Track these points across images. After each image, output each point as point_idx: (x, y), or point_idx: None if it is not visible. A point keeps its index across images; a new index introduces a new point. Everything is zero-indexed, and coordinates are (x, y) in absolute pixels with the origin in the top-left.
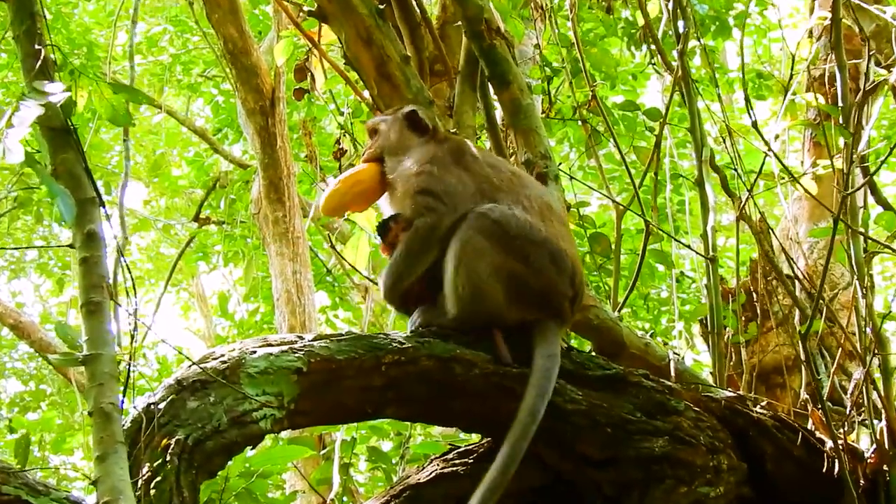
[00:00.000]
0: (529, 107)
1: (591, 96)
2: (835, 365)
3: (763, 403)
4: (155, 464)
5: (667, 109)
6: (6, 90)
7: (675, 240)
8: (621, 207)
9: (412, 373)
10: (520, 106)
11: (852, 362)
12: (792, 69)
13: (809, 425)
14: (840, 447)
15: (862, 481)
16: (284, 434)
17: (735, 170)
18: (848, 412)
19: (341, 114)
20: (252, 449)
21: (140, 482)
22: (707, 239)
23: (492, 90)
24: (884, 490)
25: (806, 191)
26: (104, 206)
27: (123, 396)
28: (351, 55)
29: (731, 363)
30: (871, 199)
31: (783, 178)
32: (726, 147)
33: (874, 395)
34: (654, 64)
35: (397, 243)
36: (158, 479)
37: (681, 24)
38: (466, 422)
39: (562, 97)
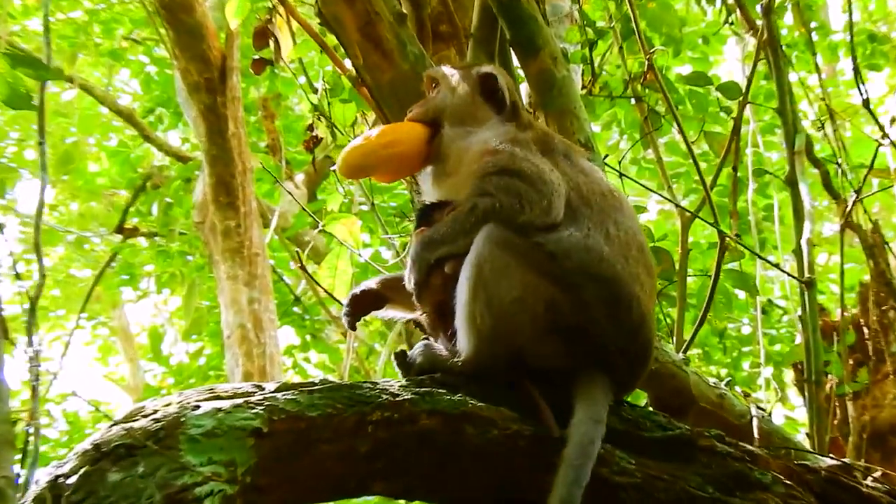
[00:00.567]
0: (565, 80)
1: (648, 66)
2: None
3: (877, 474)
4: None
5: (748, 84)
6: None
7: (760, 257)
8: (688, 214)
9: (409, 434)
10: (552, 79)
11: None
12: None
13: None
14: None
15: None
16: None
17: (839, 164)
18: None
19: (314, 91)
20: None
21: None
22: (802, 256)
23: (515, 59)
24: None
25: None
26: None
27: (21, 467)
28: (328, 13)
29: (835, 421)
30: None
31: None
32: (827, 134)
33: None
34: (731, 24)
35: None
36: None
37: None
38: (481, 501)
39: (609, 68)
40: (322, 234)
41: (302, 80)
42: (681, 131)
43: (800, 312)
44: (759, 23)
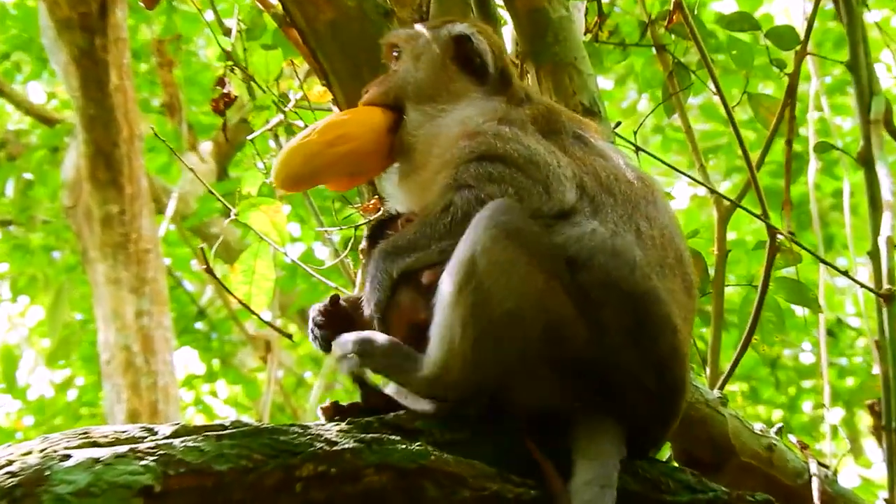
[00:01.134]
0: (563, 23)
1: (674, 4)
2: None
3: None
4: None
5: (809, 29)
6: None
7: (824, 262)
8: (727, 203)
9: (350, 496)
10: (546, 21)
11: None
12: None
13: None
14: None
15: None
16: None
17: None
18: None
19: (226, 32)
20: None
21: None
22: (880, 260)
23: None
24: None
25: None
26: None
27: None
28: None
29: None
30: None
31: None
32: None
33: None
34: None
35: None
36: None
37: None
38: None
39: (621, 3)
40: (235, 226)
41: (210, 16)
42: (718, 91)
43: (877, 337)
44: None
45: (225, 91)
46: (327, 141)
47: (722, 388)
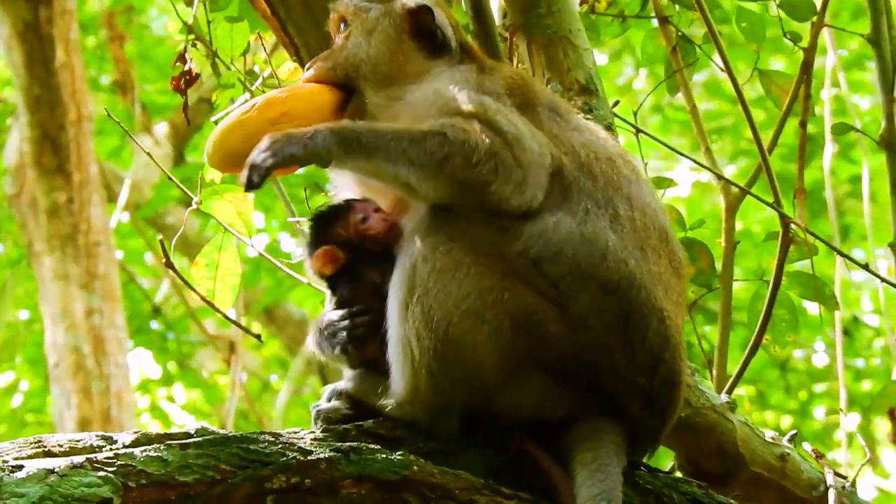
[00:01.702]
0: None
1: None
2: None
3: None
4: None
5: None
6: None
7: (841, 254)
8: (735, 189)
9: None
10: None
11: None
12: None
13: None
14: None
15: None
16: None
17: None
18: None
19: (187, 2)
20: None
21: None
22: None
23: None
24: None
25: None
26: None
27: None
28: None
29: None
30: None
31: None
32: None
33: None
34: None
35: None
36: None
37: None
38: None
39: None
40: (195, 215)
41: None
42: (726, 67)
43: None
44: None
45: (186, 68)
46: (269, 119)
47: (730, 392)
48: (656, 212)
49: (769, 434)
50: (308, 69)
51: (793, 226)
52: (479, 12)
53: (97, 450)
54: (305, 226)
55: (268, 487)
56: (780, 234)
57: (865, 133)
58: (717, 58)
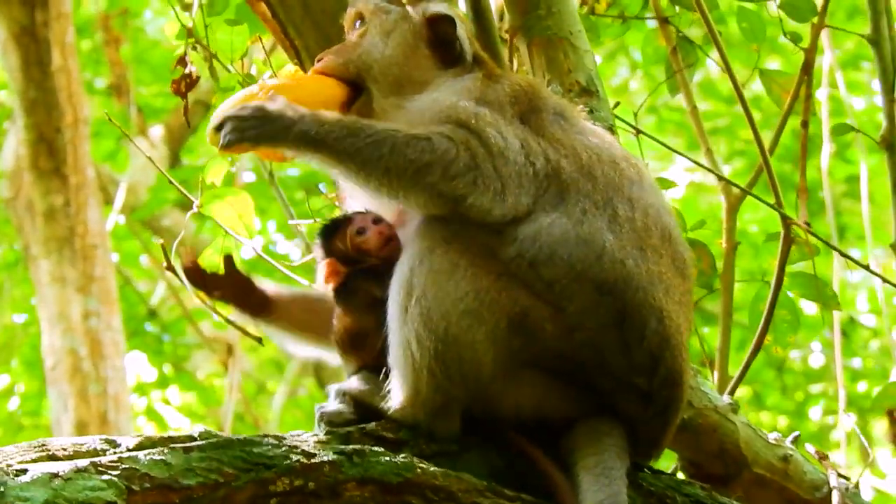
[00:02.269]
0: None
1: None
2: None
3: None
4: None
5: (826, 0)
6: None
7: (842, 254)
8: (737, 190)
9: None
10: None
11: None
12: None
13: None
14: None
15: None
16: None
17: None
18: None
19: (186, 6)
20: None
21: None
22: None
23: None
24: None
25: None
26: None
27: None
28: None
29: None
30: None
31: None
32: None
33: None
34: None
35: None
36: None
37: None
38: None
39: None
40: (196, 219)
41: None
42: (727, 68)
43: None
44: None
45: (187, 71)
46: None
47: (732, 393)
48: (659, 212)
49: (772, 435)
50: (319, 60)
51: (794, 226)
52: (479, 14)
53: (101, 453)
54: (303, 227)
55: (271, 490)
56: (782, 234)
57: (866, 133)
58: (713, 58)
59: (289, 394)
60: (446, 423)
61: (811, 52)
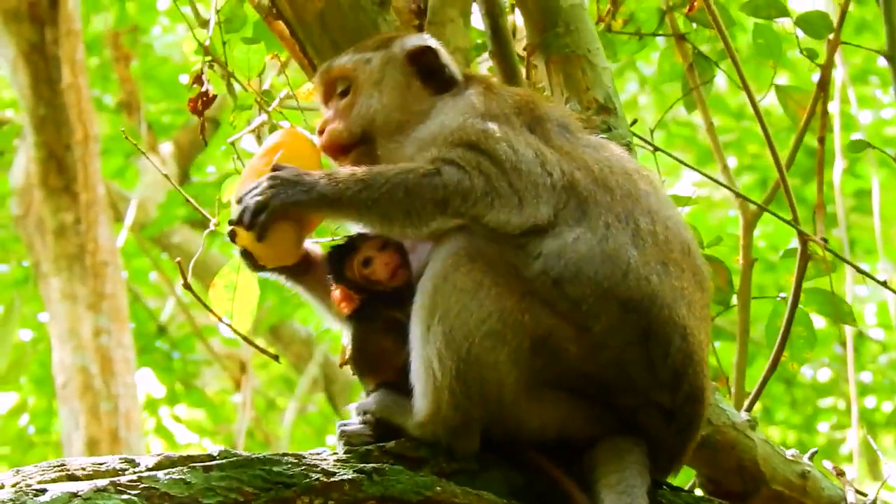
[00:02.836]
0: (575, 11)
1: None
2: None
3: None
4: None
5: (842, 16)
6: None
7: (861, 271)
8: (753, 206)
9: None
10: (557, 9)
11: None
12: None
13: None
14: None
15: None
16: None
17: None
18: None
19: (202, 23)
20: None
21: None
22: None
23: None
24: None
25: None
26: None
27: None
28: None
29: None
30: None
31: None
32: None
33: None
34: None
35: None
36: None
37: None
38: None
39: None
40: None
41: (185, 9)
42: (743, 85)
43: None
44: None
45: (203, 90)
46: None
47: (750, 409)
48: (678, 225)
49: (789, 452)
50: (321, 132)
51: (810, 243)
52: (496, 31)
53: (120, 473)
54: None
55: None
56: (799, 251)
57: (882, 150)
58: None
59: (299, 410)
60: (466, 442)
61: (827, 68)
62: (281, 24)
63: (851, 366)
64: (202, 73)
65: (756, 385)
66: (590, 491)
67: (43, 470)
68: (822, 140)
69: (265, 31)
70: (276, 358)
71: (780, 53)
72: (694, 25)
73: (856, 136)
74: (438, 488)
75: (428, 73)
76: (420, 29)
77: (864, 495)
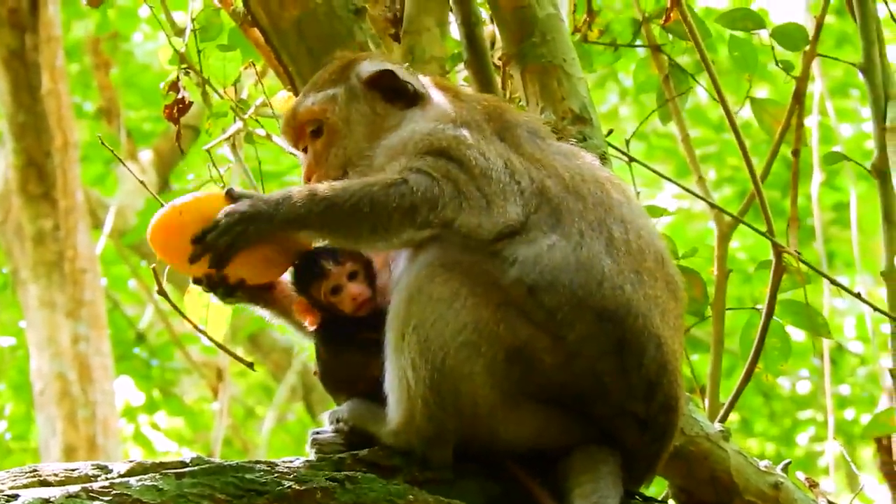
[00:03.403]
0: (551, 21)
1: (671, 1)
2: None
3: None
4: None
5: (818, 29)
6: None
7: (836, 284)
8: (729, 218)
9: None
10: (533, 19)
11: None
12: None
13: None
14: None
15: None
16: None
17: None
18: None
19: (178, 31)
20: None
21: None
22: (894, 280)
23: None
24: None
25: None
26: None
27: None
28: None
29: None
30: None
31: None
32: None
33: None
34: None
35: (337, 305)
36: None
37: None
38: None
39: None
40: None
41: (149, 12)
42: (719, 97)
43: (889, 362)
44: None
45: (179, 97)
46: None
47: (723, 420)
48: (651, 234)
49: (763, 463)
50: (307, 180)
51: (785, 255)
52: (471, 41)
53: (92, 479)
54: None
55: None
56: (773, 262)
57: (857, 162)
58: (702, 86)
59: (277, 419)
60: (440, 452)
61: (803, 81)
62: (256, 32)
63: (828, 378)
64: (178, 80)
65: (730, 396)
66: (564, 500)
67: (15, 475)
68: (796, 153)
69: (241, 38)
70: (251, 365)
71: (756, 66)
72: (670, 37)
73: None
74: (411, 497)
75: (391, 93)
76: (396, 38)
77: None
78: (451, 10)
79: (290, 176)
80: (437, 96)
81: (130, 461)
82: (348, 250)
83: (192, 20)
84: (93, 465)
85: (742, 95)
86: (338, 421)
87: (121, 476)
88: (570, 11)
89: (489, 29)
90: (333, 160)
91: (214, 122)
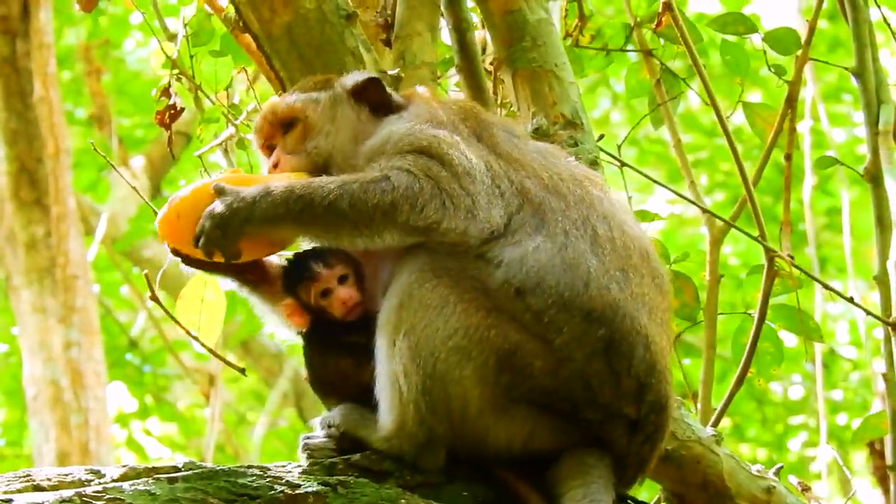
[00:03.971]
0: (542, 26)
1: (662, 6)
2: None
3: None
4: None
5: (810, 33)
6: None
7: (829, 288)
8: (721, 222)
9: None
10: (524, 24)
11: None
12: None
13: None
14: None
15: None
16: None
17: None
18: None
19: (169, 37)
20: None
21: None
22: (887, 284)
23: None
24: None
25: None
26: None
27: None
28: None
29: None
30: None
31: None
32: None
33: None
34: None
35: (327, 308)
36: None
37: None
38: None
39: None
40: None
41: (142, 18)
42: (711, 101)
43: (882, 367)
44: None
45: (171, 103)
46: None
47: (715, 425)
48: (634, 228)
49: (755, 467)
50: (274, 166)
51: (777, 259)
52: (463, 46)
53: (85, 484)
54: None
55: None
56: (766, 267)
57: (850, 167)
58: (695, 91)
59: (269, 425)
60: (432, 456)
61: (795, 85)
62: (248, 38)
63: (820, 383)
64: (170, 85)
65: (722, 401)
66: (554, 503)
67: (9, 480)
68: (788, 157)
69: (233, 44)
70: (242, 371)
71: (748, 70)
72: (662, 41)
73: (828, 153)
74: (403, 501)
75: (374, 102)
76: (387, 43)
77: None
78: (443, 15)
79: None
80: (414, 102)
81: (123, 466)
82: (339, 254)
83: (184, 26)
84: (86, 469)
85: (734, 100)
86: (329, 426)
87: (114, 481)
88: (561, 16)
89: (480, 34)
90: (312, 151)
91: (206, 128)
